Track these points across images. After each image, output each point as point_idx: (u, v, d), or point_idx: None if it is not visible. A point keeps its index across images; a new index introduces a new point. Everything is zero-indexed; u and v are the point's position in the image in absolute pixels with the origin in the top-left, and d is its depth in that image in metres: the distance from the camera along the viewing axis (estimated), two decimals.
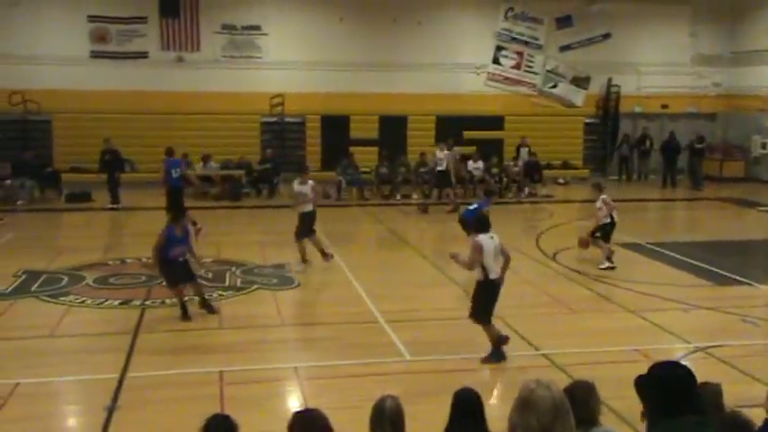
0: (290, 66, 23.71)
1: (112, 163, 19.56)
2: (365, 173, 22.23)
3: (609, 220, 13.20)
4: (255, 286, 11.71)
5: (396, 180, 22.03)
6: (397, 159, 22.60)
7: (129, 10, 23.17)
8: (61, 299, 10.86)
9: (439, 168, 20.51)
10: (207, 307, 10.19)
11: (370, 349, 8.79)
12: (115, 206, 19.27)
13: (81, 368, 8.24)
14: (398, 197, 21.66)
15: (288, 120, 24.23)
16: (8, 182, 19.85)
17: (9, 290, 11.26)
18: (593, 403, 4.12)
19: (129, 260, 13.31)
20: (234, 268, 12.71)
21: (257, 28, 24.02)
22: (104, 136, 20.24)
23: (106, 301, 10.77)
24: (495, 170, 22.84)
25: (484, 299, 8.33)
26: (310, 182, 13.03)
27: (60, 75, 22.23)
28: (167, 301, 10.67)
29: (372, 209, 20.10)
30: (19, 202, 19.59)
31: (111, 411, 6.93)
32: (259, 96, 23.41)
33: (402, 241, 15.72)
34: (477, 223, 8.53)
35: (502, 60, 25.92)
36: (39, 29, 22.46)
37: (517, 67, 26.02)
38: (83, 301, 10.72)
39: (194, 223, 14.96)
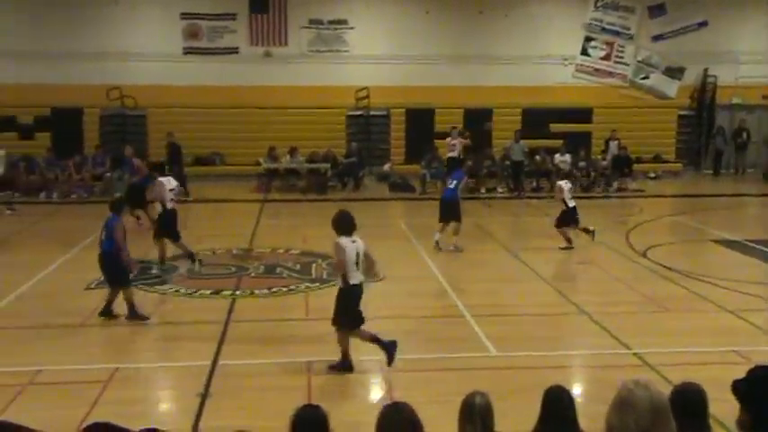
0: (375, 59, 23.83)
1: (170, 156, 19.97)
2: None
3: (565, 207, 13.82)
4: None
5: (480, 173, 21.84)
6: (481, 152, 22.39)
7: (220, 6, 23.81)
8: (156, 287, 11.28)
9: (450, 155, 20.25)
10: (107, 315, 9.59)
11: (456, 343, 8.76)
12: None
13: (175, 355, 8.52)
14: (483, 190, 21.48)
15: (373, 113, 24.39)
16: (107, 175, 20.74)
17: None
18: (706, 407, 3.78)
19: (219, 251, 13.68)
20: (320, 260, 12.88)
21: (344, 22, 24.26)
22: (200, 130, 20.81)
23: (198, 290, 11.10)
24: (582, 164, 22.38)
25: (344, 305, 7.89)
26: (171, 179, 12.79)
27: (155, 70, 23.06)
28: (256, 291, 10.92)
29: None
30: (116, 195, 20.36)
31: (203, 398, 7.15)
32: (345, 90, 23.61)
33: (487, 235, 15.57)
34: (339, 224, 7.99)
35: (591, 51, 25.32)
36: (135, 26, 23.34)
37: (607, 58, 25.37)
38: (177, 291, 11.10)
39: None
